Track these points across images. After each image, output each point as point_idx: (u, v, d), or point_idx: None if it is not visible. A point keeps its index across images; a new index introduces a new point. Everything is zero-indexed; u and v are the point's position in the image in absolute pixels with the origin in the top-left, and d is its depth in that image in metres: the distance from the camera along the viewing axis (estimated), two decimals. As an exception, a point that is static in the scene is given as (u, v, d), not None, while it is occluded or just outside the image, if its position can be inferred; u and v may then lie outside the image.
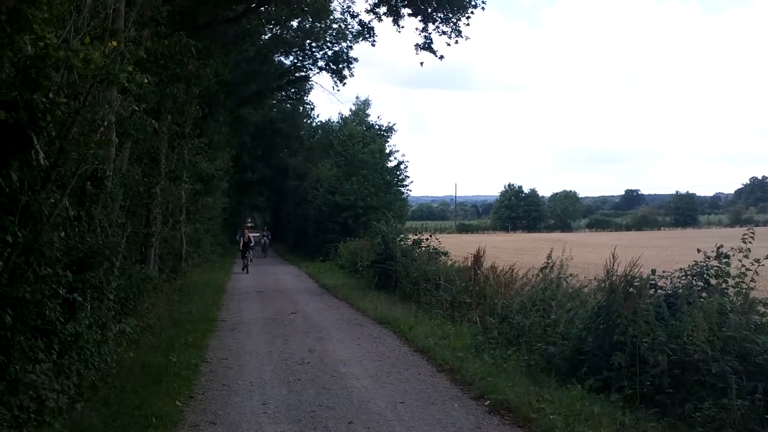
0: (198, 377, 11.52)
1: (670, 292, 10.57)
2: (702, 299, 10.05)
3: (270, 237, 57.40)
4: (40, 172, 8.40)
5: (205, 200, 34.42)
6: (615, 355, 9.81)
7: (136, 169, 17.46)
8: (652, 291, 10.65)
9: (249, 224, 34.98)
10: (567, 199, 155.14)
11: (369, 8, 26.40)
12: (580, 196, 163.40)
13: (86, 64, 8.51)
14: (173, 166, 23.24)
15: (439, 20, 24.04)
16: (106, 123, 10.64)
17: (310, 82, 44.95)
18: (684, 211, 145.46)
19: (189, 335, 14.86)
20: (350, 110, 52.37)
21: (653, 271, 10.92)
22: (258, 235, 58.20)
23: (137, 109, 12.90)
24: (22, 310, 8.18)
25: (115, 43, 9.33)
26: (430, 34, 24.38)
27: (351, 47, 37.71)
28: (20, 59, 7.86)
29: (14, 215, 8.09)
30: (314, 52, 39.04)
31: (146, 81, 11.51)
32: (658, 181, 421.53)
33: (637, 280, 10.70)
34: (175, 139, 23.16)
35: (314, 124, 61.64)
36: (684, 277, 10.64)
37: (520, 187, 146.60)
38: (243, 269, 36.16)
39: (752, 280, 10.10)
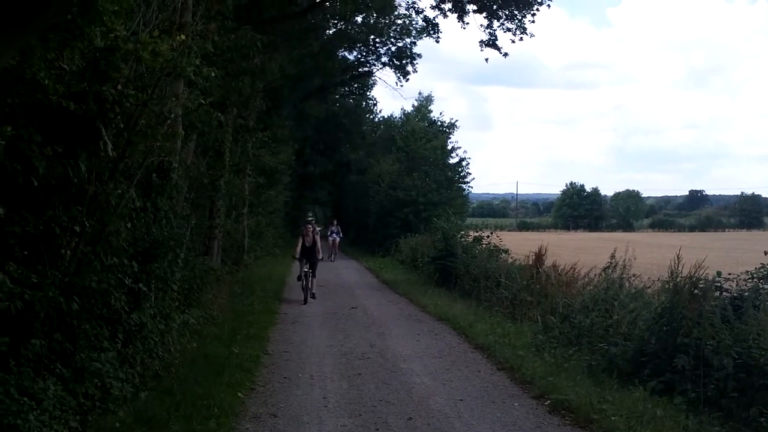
0: (259, 369, 11.59)
1: (735, 294, 10.37)
2: (769, 302, 9.85)
3: (341, 233, 42.82)
4: (108, 163, 8.52)
5: (268, 193, 34.62)
6: (678, 358, 9.63)
7: (201, 161, 17.67)
8: (717, 293, 10.43)
9: (310, 217, 32.09)
10: (629, 198, 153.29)
11: (434, 4, 26.51)
12: (643, 195, 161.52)
13: (154, 56, 8.63)
14: (237, 159, 23.41)
15: (504, 17, 23.92)
16: (173, 115, 10.76)
17: (373, 78, 45.29)
18: (749, 212, 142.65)
19: (251, 327, 14.95)
20: (412, 106, 52.28)
21: (719, 273, 10.68)
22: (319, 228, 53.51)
23: (203, 102, 13.05)
24: (89, 299, 8.31)
25: (183, 37, 9.44)
26: (494, 30, 24.31)
27: (415, 43, 37.79)
28: (90, 51, 7.99)
29: (82, 205, 8.21)
30: (378, 47, 39.21)
31: (213, 74, 11.64)
32: (723, 181, 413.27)
33: (702, 281, 10.48)
34: (240, 133, 23.35)
35: (376, 119, 61.61)
36: (750, 280, 10.45)
37: (582, 186, 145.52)
38: (303, 300, 20.64)
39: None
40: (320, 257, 22.30)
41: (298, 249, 21.60)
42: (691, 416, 8.81)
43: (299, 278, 21.35)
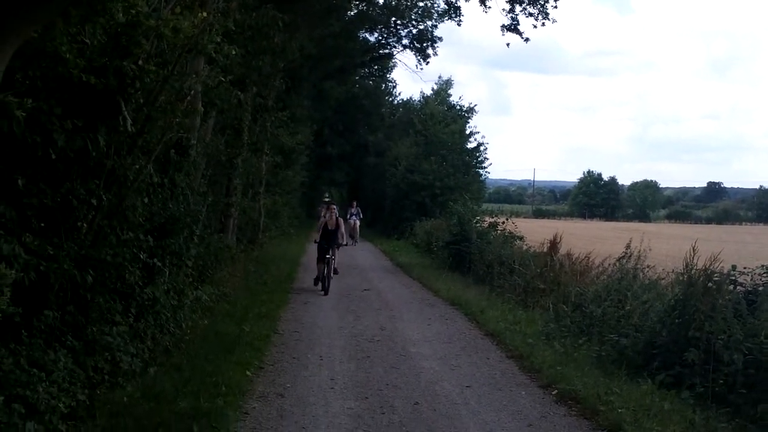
0: (269, 348, 11.63)
1: (750, 289, 10.32)
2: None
3: (361, 214, 40.12)
4: (127, 138, 8.57)
5: (285, 173, 34.60)
6: (689, 351, 9.58)
7: (219, 139, 17.71)
8: (731, 287, 10.37)
9: (327, 198, 30.20)
10: (647, 188, 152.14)
11: (456, -13, 26.29)
12: (660, 186, 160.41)
13: (176, 33, 8.66)
14: (255, 138, 23.41)
15: (527, 2, 23.76)
16: (192, 92, 10.80)
17: (393, 60, 45.27)
18: (767, 206, 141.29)
19: (263, 306, 15.00)
20: (432, 89, 52.05)
21: (734, 267, 10.62)
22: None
23: (223, 79, 13.08)
24: (103, 273, 8.35)
25: (204, 14, 9.45)
26: (516, 15, 24.13)
27: (436, 26, 37.72)
28: (112, 26, 8.01)
29: (100, 179, 8.26)
30: (399, 29, 39.13)
31: (233, 52, 11.65)
32: (743, 174, 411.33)
33: (716, 275, 10.42)
34: (259, 111, 23.35)
35: (395, 101, 61.63)
36: (765, 274, 10.38)
37: (600, 175, 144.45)
38: (317, 283, 19.00)
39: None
40: (343, 242, 21.16)
41: (320, 232, 19.44)
42: (698, 411, 8.75)
43: (317, 281, 19.02)
